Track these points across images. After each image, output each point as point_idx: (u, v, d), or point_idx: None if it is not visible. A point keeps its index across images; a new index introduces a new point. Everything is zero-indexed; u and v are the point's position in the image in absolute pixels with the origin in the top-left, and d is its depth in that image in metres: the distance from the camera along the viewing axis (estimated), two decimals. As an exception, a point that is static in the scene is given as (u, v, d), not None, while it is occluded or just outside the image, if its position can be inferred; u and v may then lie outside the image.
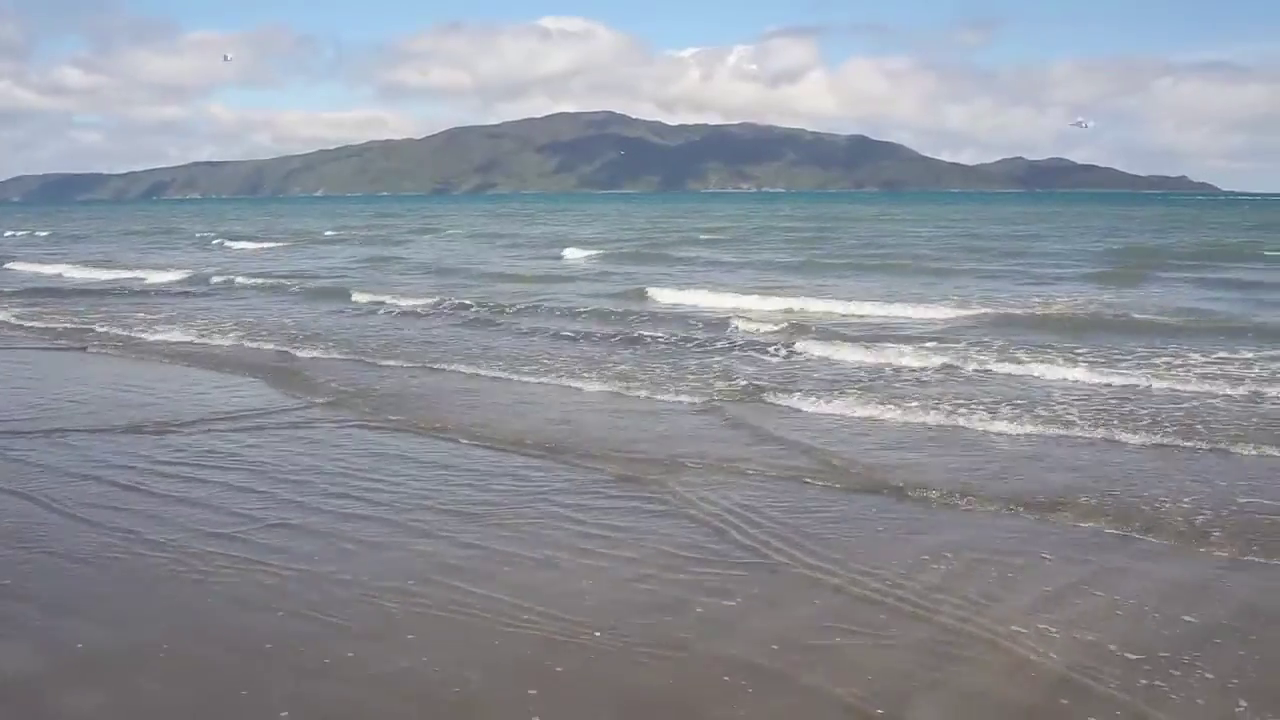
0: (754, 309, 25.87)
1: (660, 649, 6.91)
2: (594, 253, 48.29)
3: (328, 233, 77.26)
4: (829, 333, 21.49)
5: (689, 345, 20.55)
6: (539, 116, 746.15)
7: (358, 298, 29.71)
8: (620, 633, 7.15)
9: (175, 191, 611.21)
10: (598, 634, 7.12)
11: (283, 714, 6.08)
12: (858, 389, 15.68)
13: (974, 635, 7.09)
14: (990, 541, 9.02)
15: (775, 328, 22.45)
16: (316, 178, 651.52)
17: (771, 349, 19.77)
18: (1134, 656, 6.72)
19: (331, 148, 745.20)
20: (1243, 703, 6.16)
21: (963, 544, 8.91)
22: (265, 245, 60.62)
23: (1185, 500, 10.07)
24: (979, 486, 10.65)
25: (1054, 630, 7.14)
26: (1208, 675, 6.48)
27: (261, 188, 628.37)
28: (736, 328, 22.76)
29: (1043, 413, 13.96)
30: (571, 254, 47.70)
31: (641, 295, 29.42)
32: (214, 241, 67.08)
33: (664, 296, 28.83)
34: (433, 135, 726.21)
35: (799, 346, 19.74)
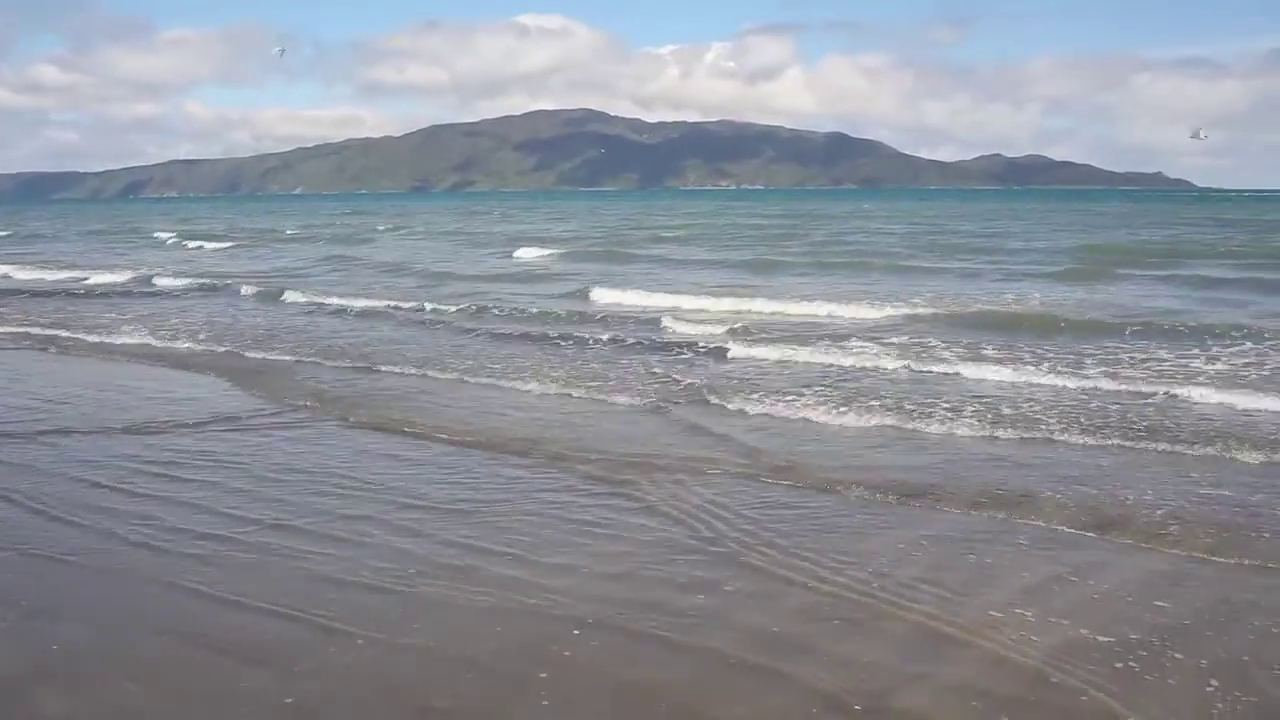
0: (695, 309, 25.53)
1: (651, 640, 7.06)
2: (548, 252, 47.24)
3: (289, 231, 76.02)
4: (770, 333, 21.19)
5: (626, 346, 20.32)
6: (518, 114, 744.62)
7: (295, 298, 29.02)
8: (610, 624, 7.29)
9: (153, 190, 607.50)
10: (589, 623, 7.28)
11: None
12: (801, 390, 15.58)
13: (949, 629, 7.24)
14: (955, 536, 9.20)
15: (714, 329, 22.02)
16: (295, 176, 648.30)
17: (704, 349, 19.50)
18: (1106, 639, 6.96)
19: (310, 145, 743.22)
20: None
21: (922, 539, 9.09)
22: (223, 245, 59.51)
23: (1129, 497, 10.17)
24: (928, 485, 10.70)
25: (1031, 619, 7.33)
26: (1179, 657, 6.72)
27: (239, 186, 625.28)
28: (670, 328, 22.47)
29: (979, 412, 13.94)
30: (524, 253, 46.85)
31: (585, 296, 28.78)
32: (169, 241, 66.14)
33: (606, 297, 28.17)
34: (411, 133, 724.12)
35: (735, 348, 19.47)
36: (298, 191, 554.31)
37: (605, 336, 21.16)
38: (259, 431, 13.41)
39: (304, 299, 28.95)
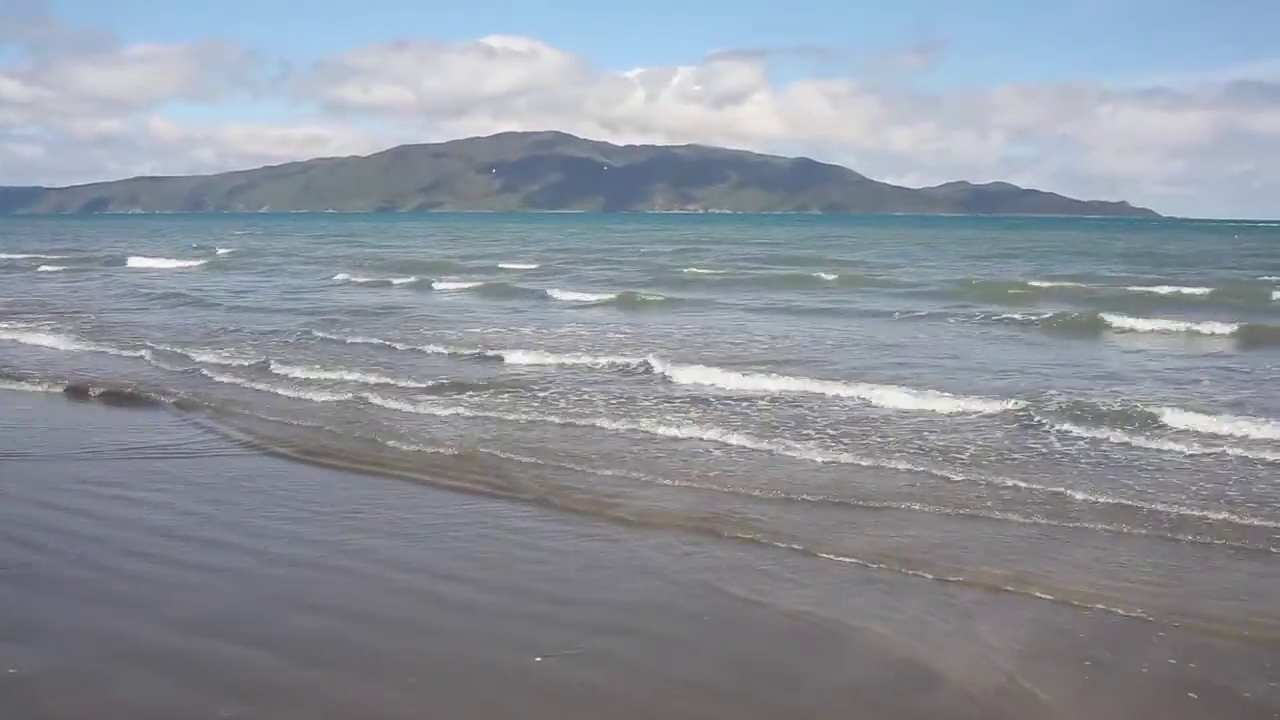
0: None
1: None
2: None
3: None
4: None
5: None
6: (485, 136, 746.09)
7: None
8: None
9: (117, 206, 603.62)
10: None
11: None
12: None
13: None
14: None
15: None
16: (261, 195, 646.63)
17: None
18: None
19: (276, 164, 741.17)
20: None
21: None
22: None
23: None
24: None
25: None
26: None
27: (204, 204, 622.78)
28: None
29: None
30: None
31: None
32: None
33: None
34: (379, 153, 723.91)
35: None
36: (264, 209, 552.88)
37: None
38: None
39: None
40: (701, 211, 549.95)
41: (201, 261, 61.91)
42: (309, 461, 13.41)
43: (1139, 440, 14.00)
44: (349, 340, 24.62)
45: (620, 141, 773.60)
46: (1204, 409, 15.55)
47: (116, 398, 17.78)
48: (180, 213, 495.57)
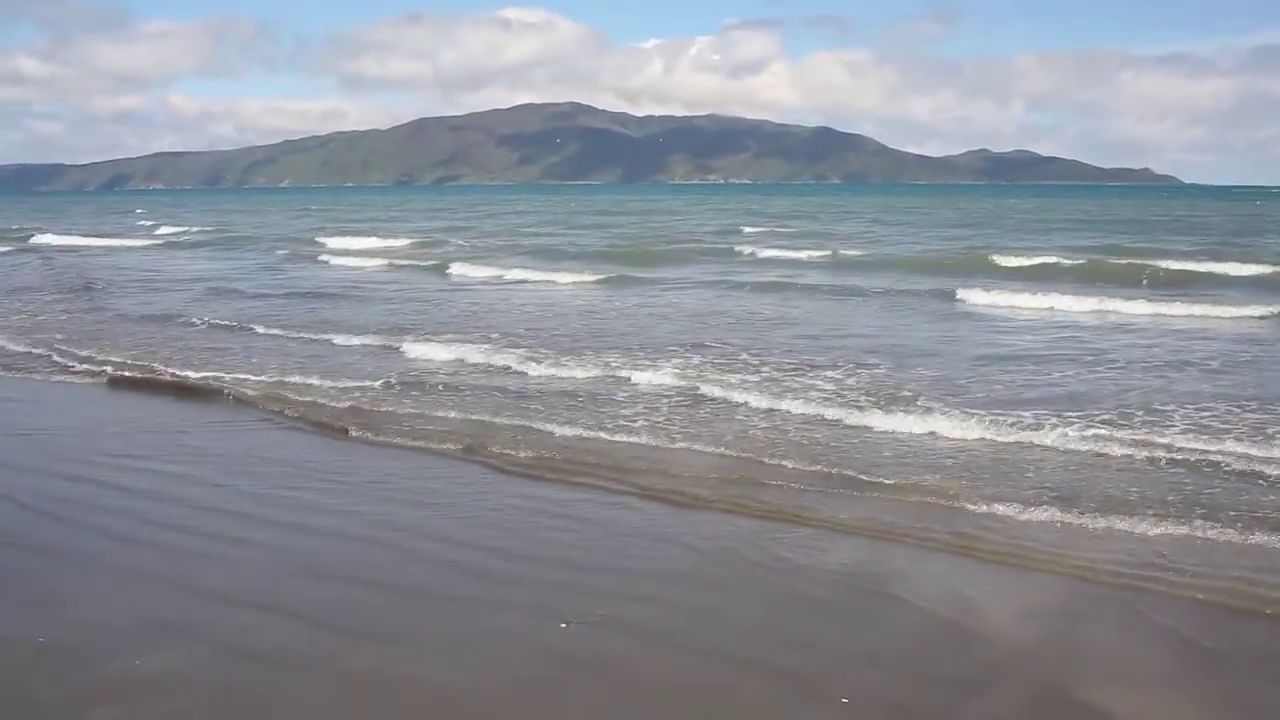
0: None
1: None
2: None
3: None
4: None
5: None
6: (504, 108, 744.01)
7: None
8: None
9: (138, 183, 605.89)
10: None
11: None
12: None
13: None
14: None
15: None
16: (281, 169, 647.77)
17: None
18: None
19: (296, 138, 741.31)
20: None
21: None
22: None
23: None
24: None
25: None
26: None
27: (224, 179, 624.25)
28: None
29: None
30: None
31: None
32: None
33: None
34: (398, 126, 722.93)
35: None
36: (284, 184, 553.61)
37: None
38: None
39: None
40: (722, 181, 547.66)
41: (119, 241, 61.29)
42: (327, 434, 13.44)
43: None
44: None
45: (639, 112, 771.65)
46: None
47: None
48: (200, 188, 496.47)
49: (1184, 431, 12.47)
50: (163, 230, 70.40)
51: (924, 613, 7.66)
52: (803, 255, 42.70)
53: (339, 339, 20.56)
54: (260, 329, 22.29)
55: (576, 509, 10.14)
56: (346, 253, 47.05)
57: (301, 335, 21.31)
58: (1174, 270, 32.64)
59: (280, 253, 48.58)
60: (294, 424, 13.85)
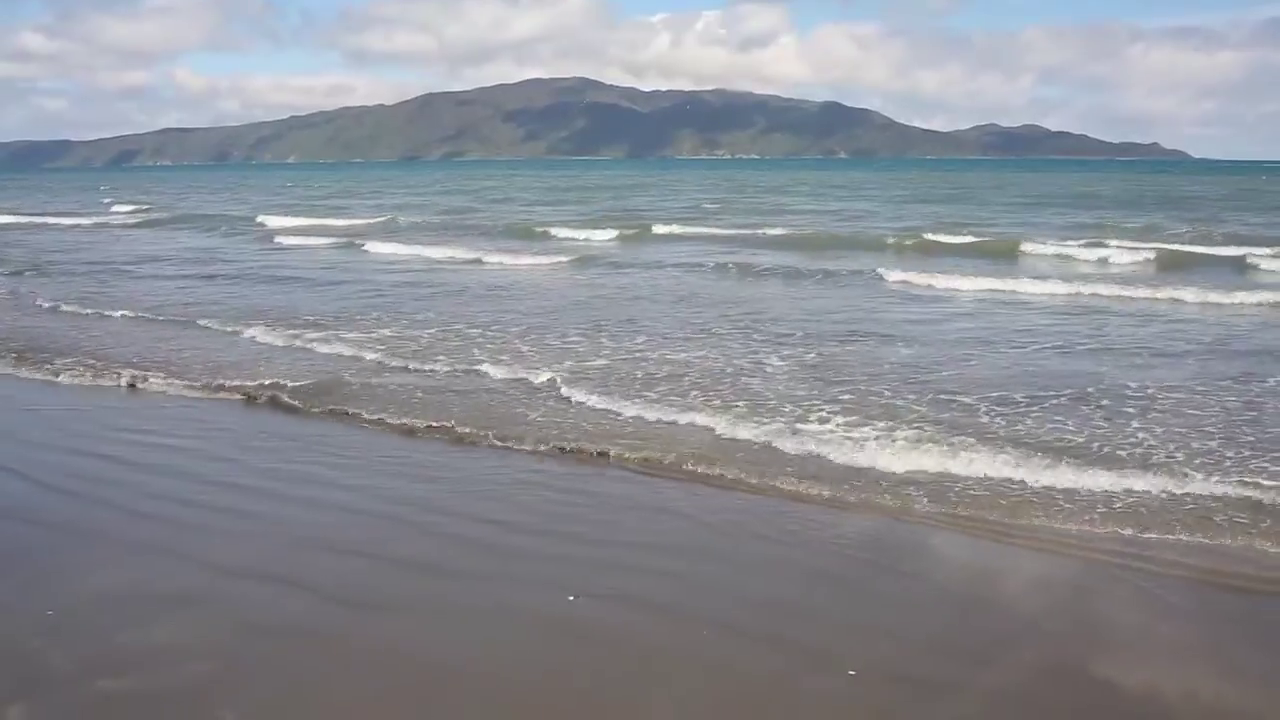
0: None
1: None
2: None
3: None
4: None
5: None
6: (511, 83, 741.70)
7: None
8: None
9: (146, 159, 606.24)
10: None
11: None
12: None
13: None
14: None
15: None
16: (288, 145, 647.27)
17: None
18: None
19: (304, 114, 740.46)
20: None
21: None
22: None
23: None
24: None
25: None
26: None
27: (231, 155, 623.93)
28: None
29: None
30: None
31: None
32: None
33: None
34: (405, 102, 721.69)
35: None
36: (291, 160, 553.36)
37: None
38: None
39: None
40: (729, 156, 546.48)
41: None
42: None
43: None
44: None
45: (646, 87, 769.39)
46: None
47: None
48: (207, 164, 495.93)
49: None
50: (118, 209, 69.82)
51: (932, 586, 7.70)
52: (720, 232, 42.11)
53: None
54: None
55: (589, 484, 10.18)
56: (283, 231, 46.65)
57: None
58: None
59: (217, 231, 48.63)
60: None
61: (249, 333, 18.45)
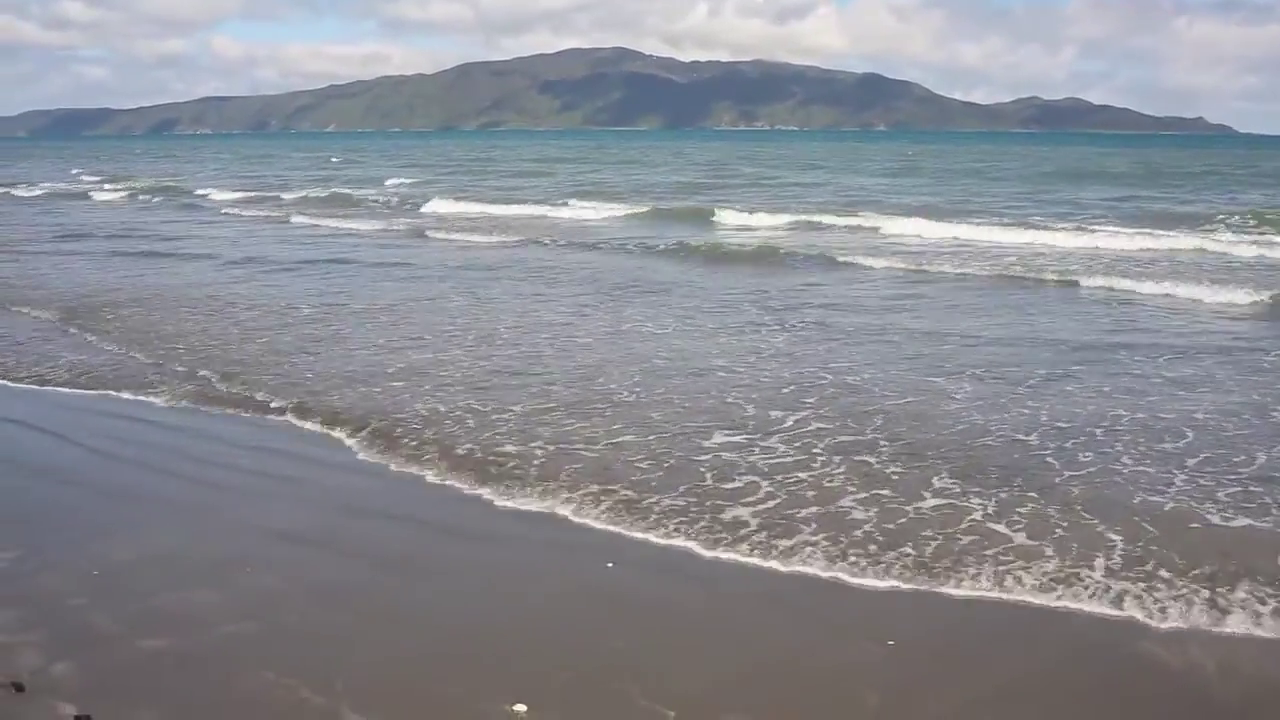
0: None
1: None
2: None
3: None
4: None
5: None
6: (549, 53, 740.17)
7: None
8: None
9: (185, 127, 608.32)
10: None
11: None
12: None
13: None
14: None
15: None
16: (327, 113, 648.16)
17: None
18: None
19: (342, 83, 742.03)
20: None
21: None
22: None
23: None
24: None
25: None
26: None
27: (270, 124, 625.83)
28: None
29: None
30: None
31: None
32: None
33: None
34: (443, 71, 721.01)
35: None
36: (330, 129, 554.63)
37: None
38: None
39: None
40: (767, 128, 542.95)
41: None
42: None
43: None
44: None
45: (684, 58, 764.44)
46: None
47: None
48: (246, 132, 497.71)
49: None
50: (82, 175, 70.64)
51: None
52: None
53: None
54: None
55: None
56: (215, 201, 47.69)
57: None
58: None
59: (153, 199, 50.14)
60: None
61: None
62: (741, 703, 5.77)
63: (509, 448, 10.09)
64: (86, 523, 8.49)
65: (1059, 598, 6.96)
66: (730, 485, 9.08)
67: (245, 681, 5.97)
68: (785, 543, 7.83)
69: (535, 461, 9.74)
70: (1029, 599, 6.99)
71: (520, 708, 5.67)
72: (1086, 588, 7.05)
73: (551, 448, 10.11)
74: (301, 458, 10.21)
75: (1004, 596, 7.06)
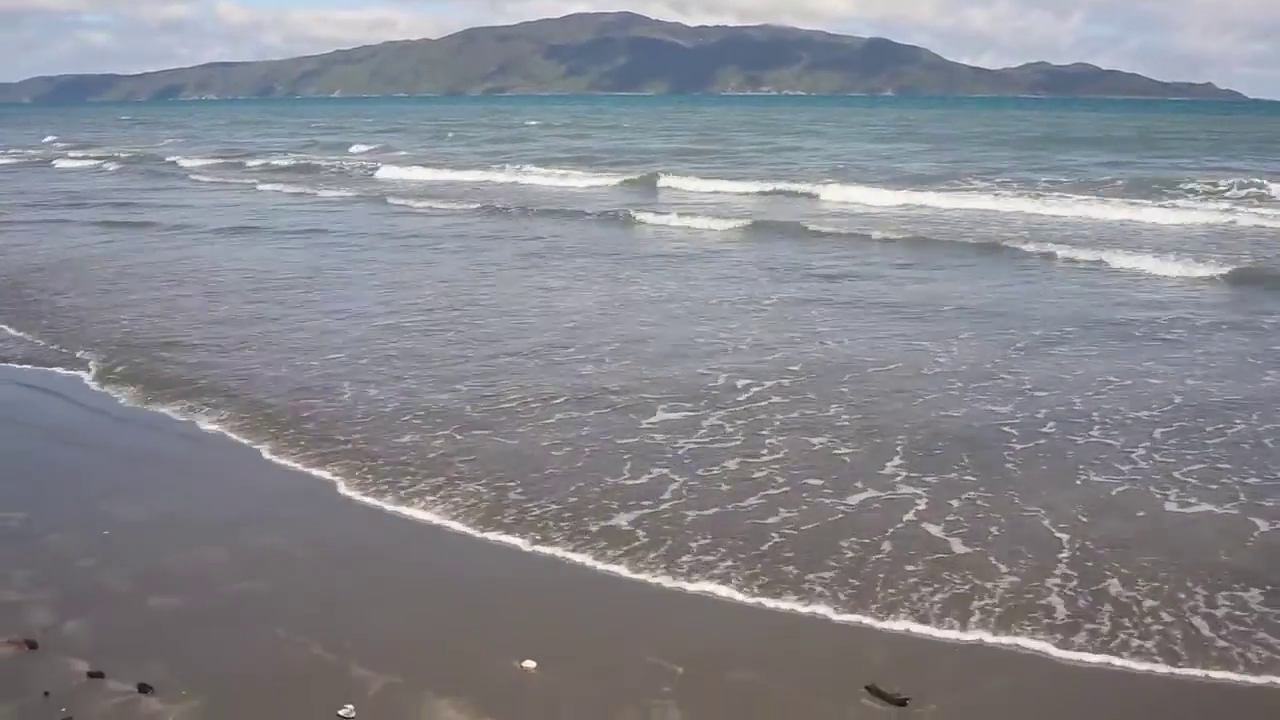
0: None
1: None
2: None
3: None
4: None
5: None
6: (555, 18, 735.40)
7: None
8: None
9: (190, 93, 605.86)
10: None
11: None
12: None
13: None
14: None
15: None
16: (332, 79, 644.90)
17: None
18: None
19: (347, 48, 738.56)
20: None
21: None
22: None
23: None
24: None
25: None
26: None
27: (275, 89, 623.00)
28: None
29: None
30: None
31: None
32: None
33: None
34: (448, 36, 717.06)
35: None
36: (335, 95, 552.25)
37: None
38: None
39: None
40: (774, 93, 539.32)
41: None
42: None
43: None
44: None
45: (691, 22, 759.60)
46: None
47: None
48: (251, 98, 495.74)
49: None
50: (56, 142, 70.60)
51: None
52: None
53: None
54: None
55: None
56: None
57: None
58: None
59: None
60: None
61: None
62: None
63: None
64: (97, 484, 8.60)
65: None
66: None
67: (256, 639, 6.09)
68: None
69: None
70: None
71: (530, 664, 5.78)
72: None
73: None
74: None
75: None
